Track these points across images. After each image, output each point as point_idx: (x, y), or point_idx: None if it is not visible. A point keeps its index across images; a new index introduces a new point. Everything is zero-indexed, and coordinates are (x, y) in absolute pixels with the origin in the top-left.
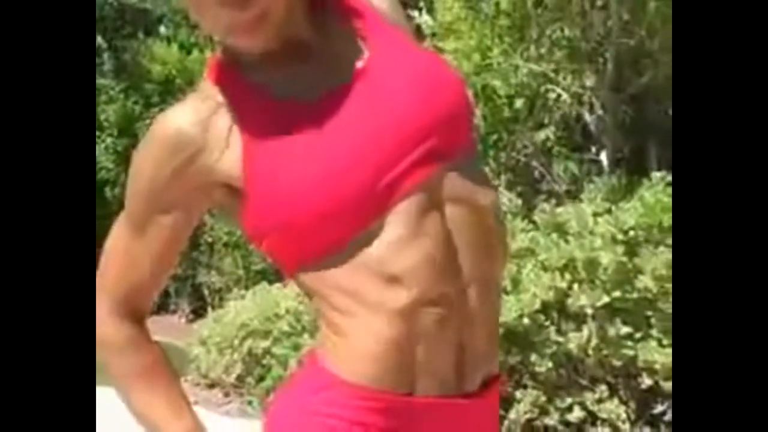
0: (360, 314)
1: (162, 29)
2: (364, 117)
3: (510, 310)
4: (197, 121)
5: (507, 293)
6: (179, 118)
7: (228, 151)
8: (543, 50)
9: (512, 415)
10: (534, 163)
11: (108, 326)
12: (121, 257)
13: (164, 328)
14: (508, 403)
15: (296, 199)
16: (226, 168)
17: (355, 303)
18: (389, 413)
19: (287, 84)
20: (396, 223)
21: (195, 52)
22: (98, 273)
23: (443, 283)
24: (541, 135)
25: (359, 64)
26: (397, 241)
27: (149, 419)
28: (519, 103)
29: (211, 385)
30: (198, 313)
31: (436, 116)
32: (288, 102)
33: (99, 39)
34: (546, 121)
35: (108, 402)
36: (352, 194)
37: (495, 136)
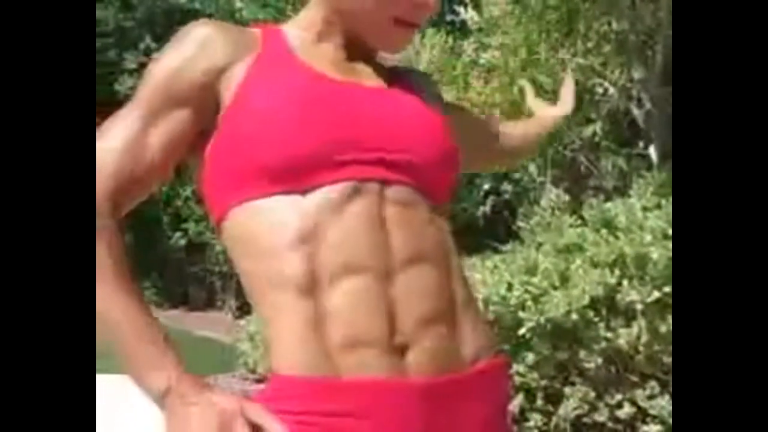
0: (276, 298)
1: None
2: (362, 109)
3: (558, 306)
4: (238, 42)
5: (555, 289)
6: (224, 32)
7: (235, 83)
8: (591, 44)
9: (561, 411)
10: (581, 159)
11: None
12: (127, 147)
13: (211, 324)
14: (556, 398)
15: (257, 135)
16: (227, 98)
17: (271, 286)
18: (326, 397)
19: (319, 56)
20: (327, 195)
21: None
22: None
23: (361, 256)
24: (589, 130)
25: (383, 84)
26: (319, 211)
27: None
28: None
29: (259, 380)
30: (244, 309)
31: (422, 146)
32: (306, 66)
33: (148, 39)
34: (593, 115)
35: (108, 389)
36: (305, 149)
37: None
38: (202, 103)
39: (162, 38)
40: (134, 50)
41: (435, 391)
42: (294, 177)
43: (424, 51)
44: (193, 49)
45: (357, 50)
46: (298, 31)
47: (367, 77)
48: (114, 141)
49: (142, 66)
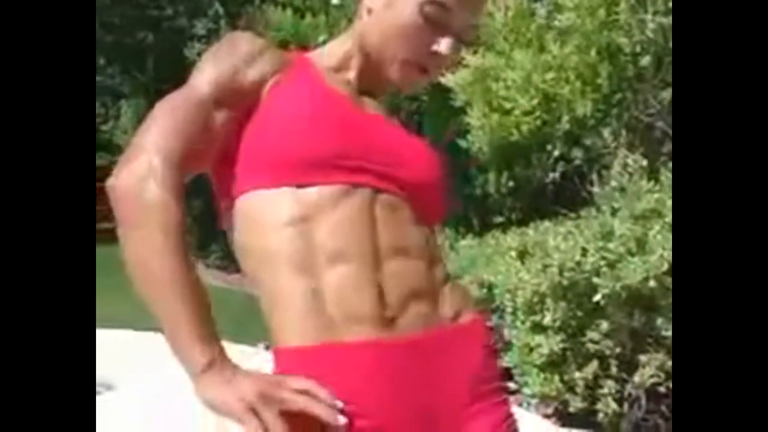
0: (275, 276)
1: None
2: (368, 128)
3: (635, 272)
4: (279, 57)
5: (632, 255)
6: (271, 47)
7: (270, 90)
8: (672, 3)
9: (636, 378)
10: (658, 124)
11: (162, 178)
12: (196, 122)
13: None
14: (631, 366)
15: (280, 134)
16: (262, 100)
17: (269, 262)
18: (333, 361)
19: (336, 82)
20: (326, 189)
21: (308, 17)
22: (149, 132)
23: (352, 245)
24: (668, 93)
25: (386, 118)
26: (317, 200)
27: (171, 323)
28: (645, 60)
29: None
30: None
31: (415, 168)
32: (328, 85)
33: (217, 6)
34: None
35: (108, 345)
36: (317, 151)
37: (618, 96)
38: (249, 101)
39: (230, 5)
40: (204, 17)
41: (426, 345)
42: (302, 172)
43: (498, 13)
44: (250, 54)
45: (365, 86)
46: (321, 59)
47: (371, 108)
48: (184, 113)
49: (211, 32)
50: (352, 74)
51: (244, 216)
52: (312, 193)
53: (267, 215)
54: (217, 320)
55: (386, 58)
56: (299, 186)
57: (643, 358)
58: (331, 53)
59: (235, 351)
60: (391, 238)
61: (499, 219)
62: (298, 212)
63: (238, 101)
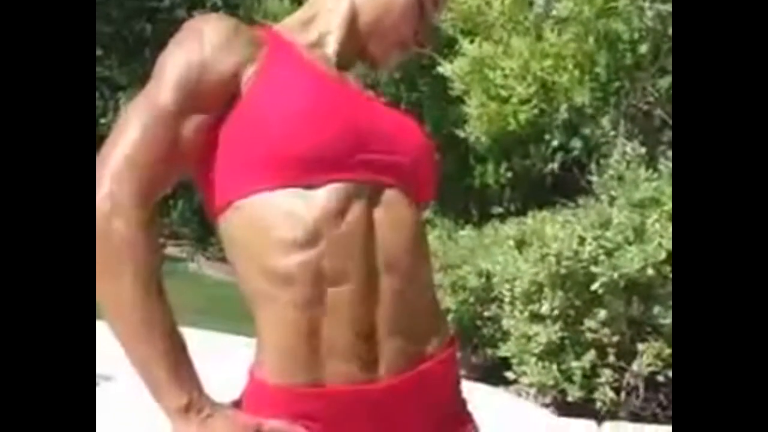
0: (266, 293)
1: None
2: (361, 112)
3: (632, 260)
4: (252, 39)
5: (629, 243)
6: (240, 29)
7: (251, 79)
8: None
9: (634, 367)
10: (657, 112)
11: (127, 215)
12: (160, 139)
13: None
14: (630, 355)
15: (272, 128)
16: (243, 93)
17: (271, 280)
18: (307, 404)
19: (318, 58)
20: (330, 196)
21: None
22: (111, 158)
23: (352, 264)
24: (666, 81)
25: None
26: (322, 210)
27: (145, 367)
28: (643, 48)
29: None
30: None
31: (409, 148)
32: (312, 65)
33: None
34: (671, 66)
35: (107, 337)
36: (319, 144)
37: (617, 84)
38: (226, 96)
39: None
40: (202, 8)
41: (404, 388)
42: (307, 170)
43: (496, 1)
44: (217, 44)
45: (341, 61)
46: (295, 35)
47: (351, 83)
48: (146, 133)
49: None
50: (330, 49)
51: (249, 222)
52: (319, 197)
53: (275, 225)
54: (217, 313)
55: (379, 35)
56: (306, 187)
57: (641, 346)
58: (304, 29)
59: (233, 342)
60: (387, 246)
61: (498, 209)
62: (307, 226)
63: (211, 102)
